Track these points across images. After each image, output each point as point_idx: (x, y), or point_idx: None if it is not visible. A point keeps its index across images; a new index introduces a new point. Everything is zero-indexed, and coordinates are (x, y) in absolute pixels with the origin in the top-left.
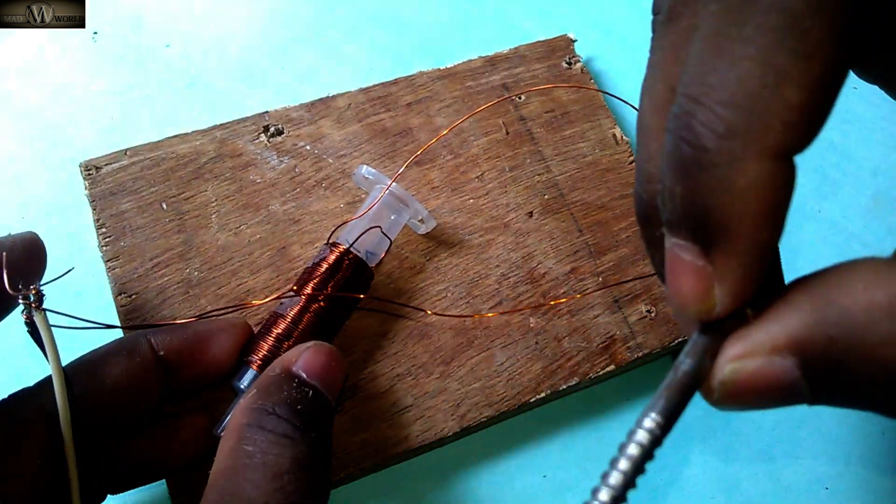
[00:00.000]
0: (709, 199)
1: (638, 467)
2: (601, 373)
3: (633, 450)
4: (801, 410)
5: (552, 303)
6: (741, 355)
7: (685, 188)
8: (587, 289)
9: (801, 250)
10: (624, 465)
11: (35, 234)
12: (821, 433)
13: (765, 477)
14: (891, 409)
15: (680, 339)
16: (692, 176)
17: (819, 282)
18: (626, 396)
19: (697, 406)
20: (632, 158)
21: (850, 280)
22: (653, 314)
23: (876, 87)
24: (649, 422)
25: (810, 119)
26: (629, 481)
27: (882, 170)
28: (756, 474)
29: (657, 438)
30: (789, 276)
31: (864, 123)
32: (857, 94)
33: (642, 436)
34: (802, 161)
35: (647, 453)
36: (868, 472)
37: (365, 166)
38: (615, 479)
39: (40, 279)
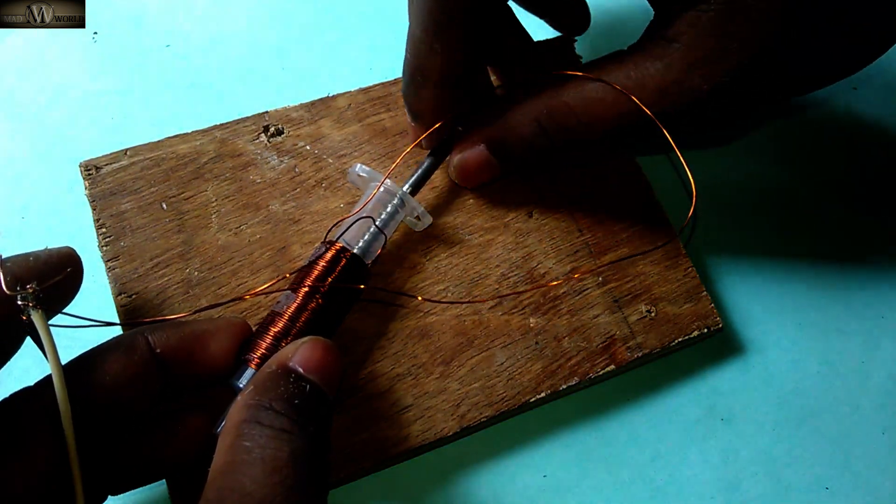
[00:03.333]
0: (412, 101)
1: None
2: (601, 373)
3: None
4: (802, 410)
5: (551, 284)
6: (459, 150)
7: (406, 94)
8: (587, 289)
9: (801, 249)
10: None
11: (71, 248)
12: (821, 433)
13: (765, 477)
14: (530, 163)
15: (680, 339)
16: (407, 89)
17: (496, 116)
18: (626, 396)
19: (697, 406)
20: (633, 160)
21: (509, 111)
22: (653, 314)
23: (876, 88)
24: (407, 187)
25: (455, 69)
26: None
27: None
28: (756, 474)
29: (412, 192)
30: (789, 274)
31: (864, 123)
32: (856, 94)
33: (401, 192)
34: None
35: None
36: (868, 472)
37: (359, 164)
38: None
39: (75, 294)
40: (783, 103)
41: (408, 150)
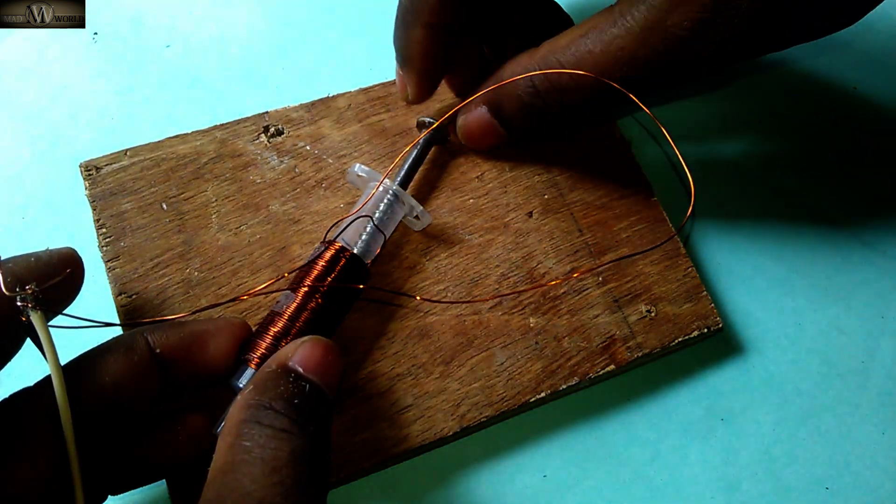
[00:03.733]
0: (402, 42)
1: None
2: (601, 373)
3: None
4: (801, 410)
5: (550, 283)
6: (463, 113)
7: (396, 37)
8: (587, 289)
9: (801, 249)
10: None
11: (72, 249)
12: (821, 433)
13: (765, 477)
14: (530, 125)
15: (680, 339)
16: (398, 31)
17: (493, 75)
18: (626, 396)
19: (697, 406)
20: (633, 159)
21: (505, 69)
22: (653, 314)
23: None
24: (398, 180)
25: (446, 9)
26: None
27: (881, 165)
28: (756, 474)
29: (403, 184)
30: (789, 274)
31: (865, 123)
32: (857, 93)
33: (396, 189)
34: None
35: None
36: (868, 472)
37: (358, 164)
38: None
39: (75, 295)
40: (781, 48)
41: (406, 149)
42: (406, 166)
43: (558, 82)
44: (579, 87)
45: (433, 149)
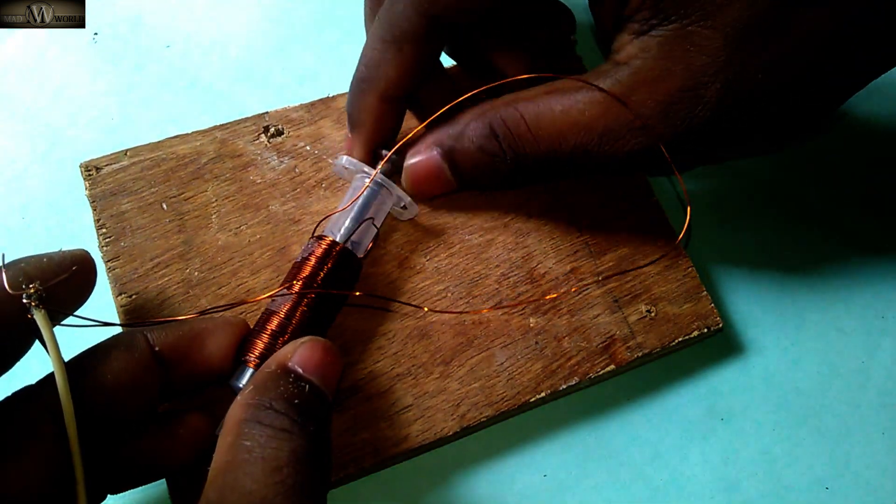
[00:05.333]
0: (354, 109)
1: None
2: (601, 373)
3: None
4: (801, 410)
5: (550, 297)
6: (411, 154)
7: (349, 103)
8: (587, 289)
9: (801, 249)
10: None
11: (85, 251)
12: (821, 433)
13: (765, 477)
14: (483, 174)
15: (680, 339)
16: (352, 97)
17: (449, 121)
18: (626, 396)
19: (697, 406)
20: None
21: (464, 113)
22: (653, 314)
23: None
24: (344, 229)
25: (400, 84)
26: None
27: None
28: (756, 474)
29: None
30: (789, 274)
31: (864, 122)
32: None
33: (382, 179)
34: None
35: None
36: (868, 472)
37: (345, 156)
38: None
39: (87, 295)
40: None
41: (400, 143)
42: (352, 216)
43: (517, 131)
44: (537, 140)
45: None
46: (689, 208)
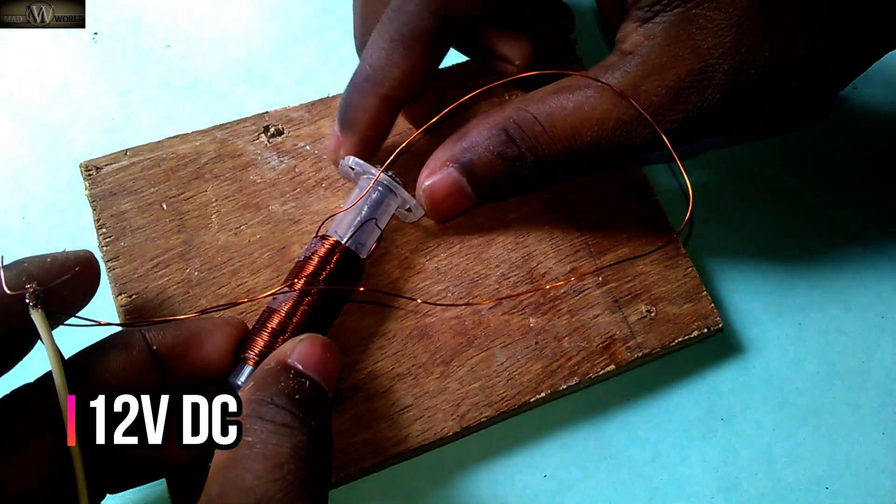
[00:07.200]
0: (351, 107)
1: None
2: (601, 373)
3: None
4: (801, 410)
5: (547, 287)
6: (426, 176)
7: (346, 100)
8: (587, 289)
9: (801, 249)
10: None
11: (89, 252)
12: (821, 433)
13: (765, 477)
14: (503, 183)
15: (680, 339)
16: (350, 95)
17: (459, 132)
18: (626, 396)
19: (697, 406)
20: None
21: (473, 124)
22: (653, 314)
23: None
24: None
25: (405, 86)
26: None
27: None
28: (756, 474)
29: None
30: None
31: (864, 121)
32: (856, 93)
33: (389, 182)
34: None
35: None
36: (868, 472)
37: (352, 157)
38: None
39: (91, 296)
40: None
41: (404, 143)
42: (354, 226)
43: (532, 132)
44: (553, 140)
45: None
46: (691, 198)
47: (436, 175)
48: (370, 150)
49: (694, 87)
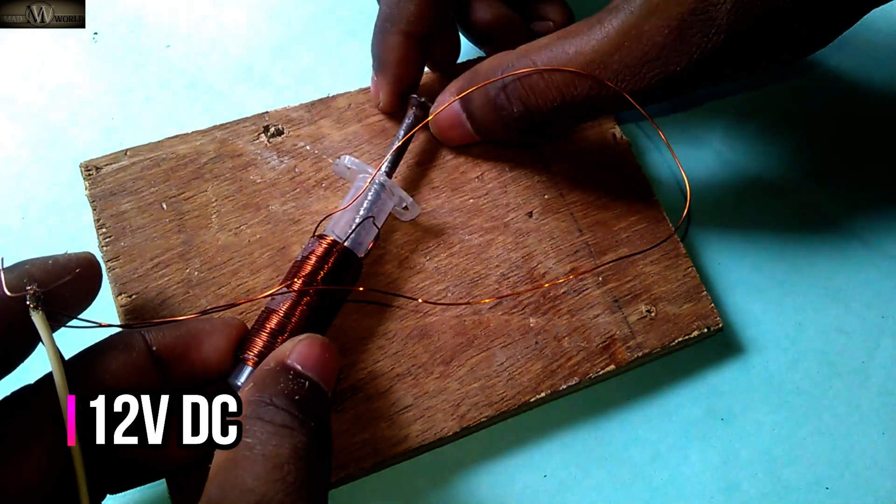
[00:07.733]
0: (379, 48)
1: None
2: (601, 373)
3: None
4: (801, 410)
5: (546, 285)
6: (437, 102)
7: (374, 44)
8: (587, 289)
9: (801, 249)
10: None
11: (91, 254)
12: (821, 433)
13: (765, 477)
14: (497, 124)
15: (680, 339)
16: (375, 37)
17: (471, 69)
18: (626, 396)
19: (697, 406)
20: (632, 159)
21: (487, 61)
22: (653, 314)
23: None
24: (384, 168)
25: (422, 19)
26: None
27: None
28: (756, 474)
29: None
30: (789, 274)
31: (864, 121)
32: (857, 93)
33: (384, 180)
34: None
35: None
36: (868, 472)
37: (347, 156)
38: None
39: (92, 298)
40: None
41: (399, 143)
42: (394, 147)
43: (527, 81)
44: (548, 86)
45: (430, 148)
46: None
47: (443, 104)
48: (404, 88)
49: (697, 27)
